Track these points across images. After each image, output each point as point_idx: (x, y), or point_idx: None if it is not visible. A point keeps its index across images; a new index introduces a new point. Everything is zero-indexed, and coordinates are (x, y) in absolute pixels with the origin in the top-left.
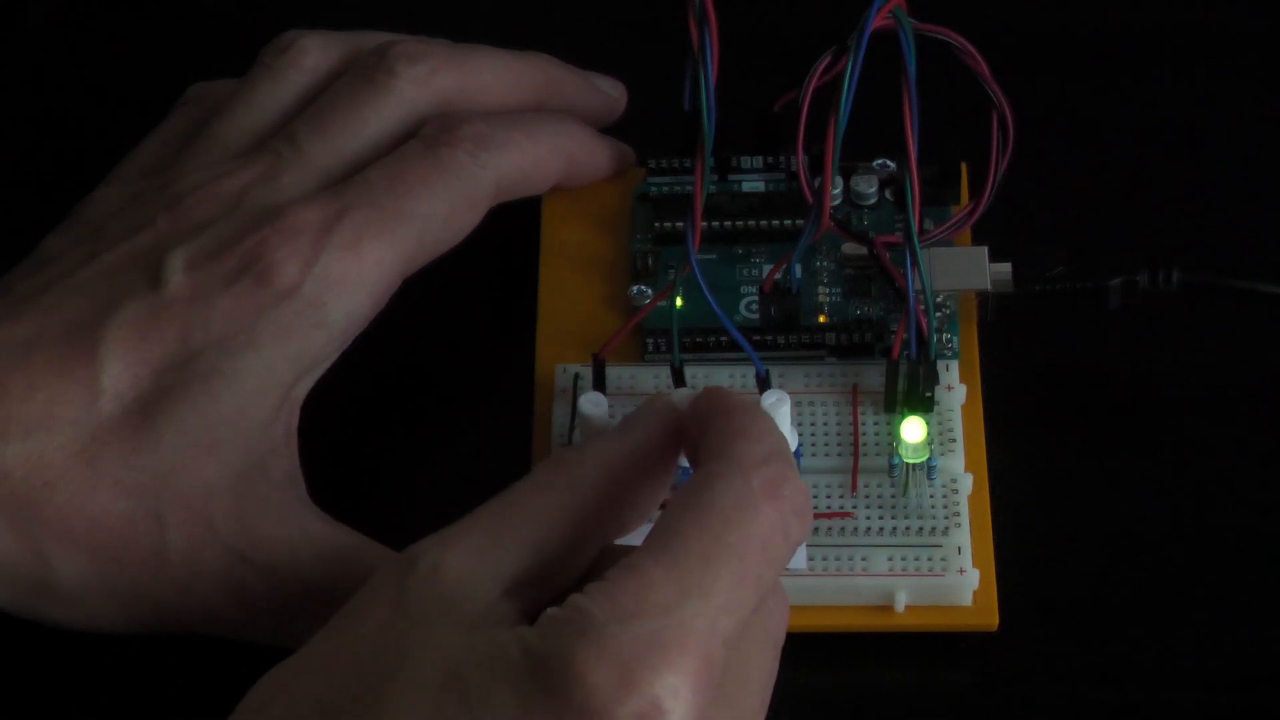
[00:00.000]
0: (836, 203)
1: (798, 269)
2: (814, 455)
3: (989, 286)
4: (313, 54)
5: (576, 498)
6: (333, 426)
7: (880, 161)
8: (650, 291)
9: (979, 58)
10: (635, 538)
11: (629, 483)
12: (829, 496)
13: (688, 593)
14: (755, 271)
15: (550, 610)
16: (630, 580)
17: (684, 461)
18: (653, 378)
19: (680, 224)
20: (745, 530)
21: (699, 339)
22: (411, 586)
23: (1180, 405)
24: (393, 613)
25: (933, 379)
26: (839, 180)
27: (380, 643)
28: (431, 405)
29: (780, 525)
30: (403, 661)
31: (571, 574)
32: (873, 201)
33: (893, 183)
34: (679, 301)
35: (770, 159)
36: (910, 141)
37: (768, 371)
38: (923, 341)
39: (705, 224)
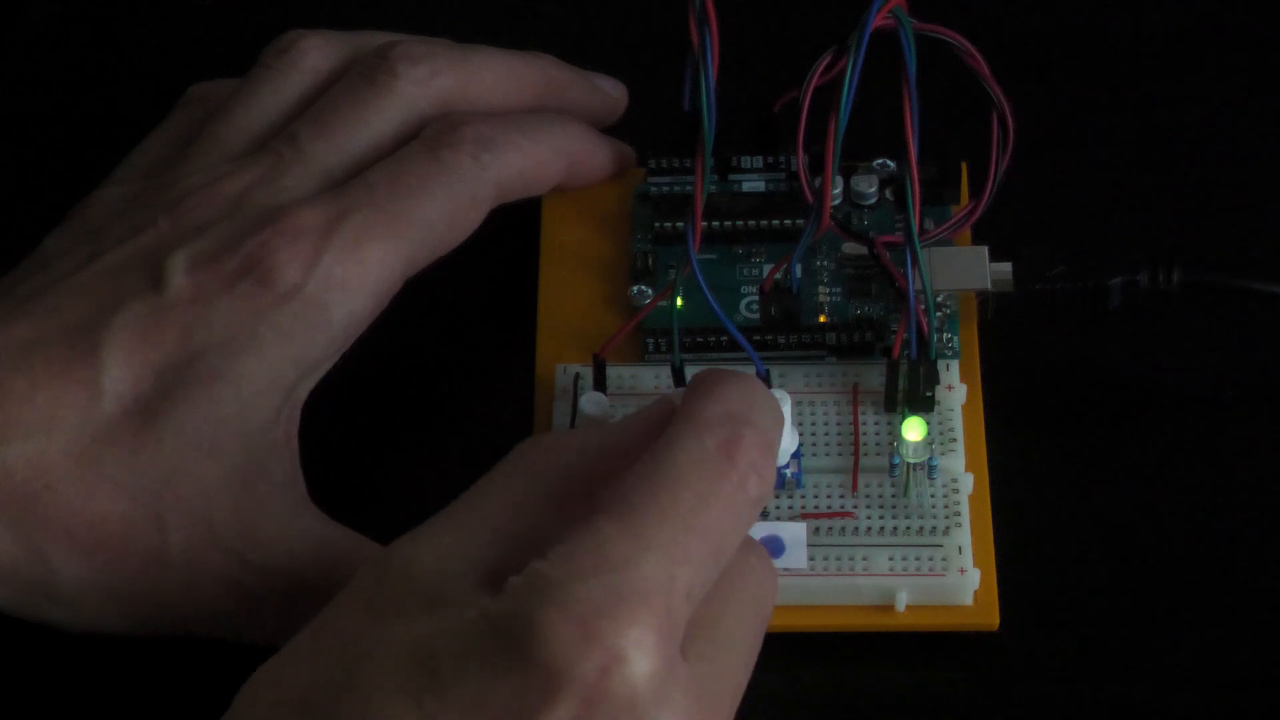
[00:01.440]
0: (836, 203)
1: (798, 269)
2: (814, 455)
3: (989, 286)
4: (314, 54)
5: (552, 482)
6: (333, 427)
7: (880, 161)
8: (650, 291)
9: (979, 58)
10: None
11: (613, 469)
12: (829, 496)
13: (645, 546)
14: (755, 271)
15: (511, 579)
16: (586, 538)
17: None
18: (653, 378)
19: (680, 224)
20: (700, 487)
21: (699, 339)
22: (385, 582)
23: (1180, 405)
24: (367, 610)
25: (933, 379)
26: (839, 180)
27: (354, 636)
28: (432, 405)
29: (737, 481)
30: (373, 650)
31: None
32: (873, 201)
33: (893, 182)
34: (679, 301)
35: (770, 159)
36: (910, 141)
37: (768, 371)
38: (923, 341)
39: (705, 224)
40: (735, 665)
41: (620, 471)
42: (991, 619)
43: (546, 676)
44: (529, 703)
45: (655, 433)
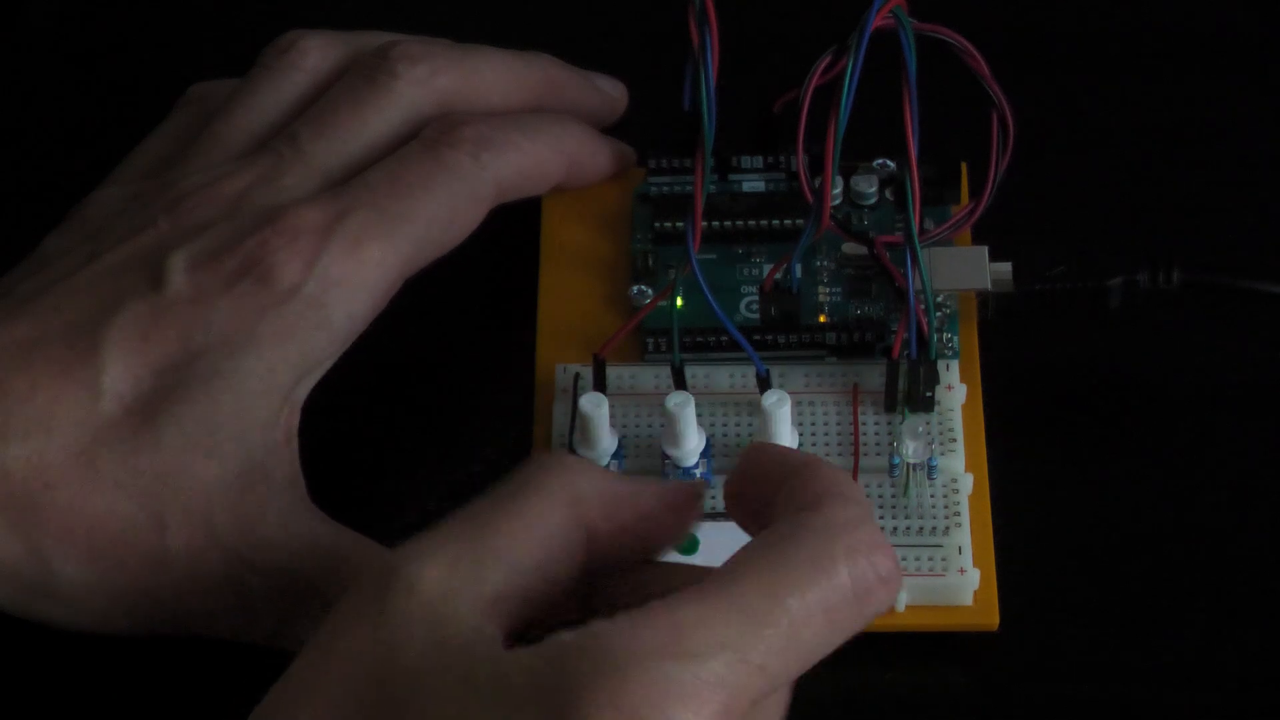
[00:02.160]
0: (836, 203)
1: (798, 269)
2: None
3: (989, 286)
4: (314, 54)
5: (566, 505)
6: (333, 427)
7: (880, 161)
8: (650, 291)
9: (979, 58)
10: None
11: (633, 512)
12: None
13: (724, 644)
14: (755, 271)
15: (565, 635)
16: (662, 616)
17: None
18: (653, 378)
19: (680, 224)
20: (812, 595)
21: (699, 339)
22: (390, 606)
23: (1180, 405)
24: (374, 634)
25: (933, 379)
26: (839, 180)
27: (371, 671)
28: (432, 406)
29: (854, 593)
30: (404, 705)
31: (559, 589)
32: (873, 201)
33: (893, 182)
34: (679, 301)
35: (770, 159)
36: (910, 141)
37: (768, 371)
38: (923, 341)
39: (705, 224)
40: None
41: (643, 514)
42: (991, 619)
43: None
44: None
45: (684, 506)
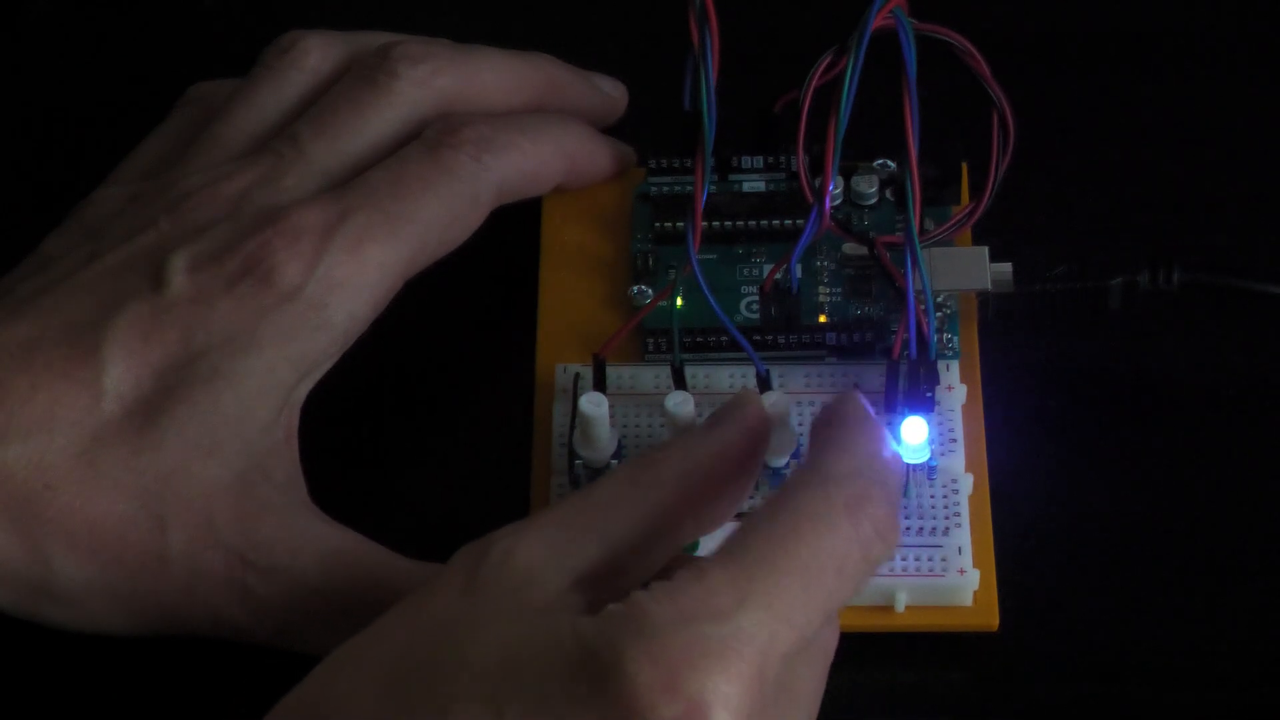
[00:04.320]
0: (837, 203)
1: (798, 269)
2: None
3: (989, 286)
4: (315, 54)
5: (654, 496)
6: (333, 427)
7: (880, 161)
8: (650, 291)
9: (979, 58)
10: (716, 540)
11: (708, 484)
12: None
13: (747, 601)
14: (755, 271)
15: (611, 605)
16: (693, 583)
17: (775, 461)
18: (653, 378)
19: (680, 224)
20: (818, 544)
21: (699, 339)
22: (482, 572)
23: (1180, 405)
24: (461, 596)
25: (933, 379)
26: (839, 180)
27: (446, 623)
28: (432, 405)
29: (858, 543)
30: (466, 644)
31: (643, 573)
32: (873, 201)
33: (893, 183)
34: (679, 301)
35: (770, 159)
36: (910, 141)
37: (768, 371)
38: (923, 341)
39: (705, 224)
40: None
41: (716, 486)
42: (991, 619)
43: (624, 717)
44: None
45: (751, 445)
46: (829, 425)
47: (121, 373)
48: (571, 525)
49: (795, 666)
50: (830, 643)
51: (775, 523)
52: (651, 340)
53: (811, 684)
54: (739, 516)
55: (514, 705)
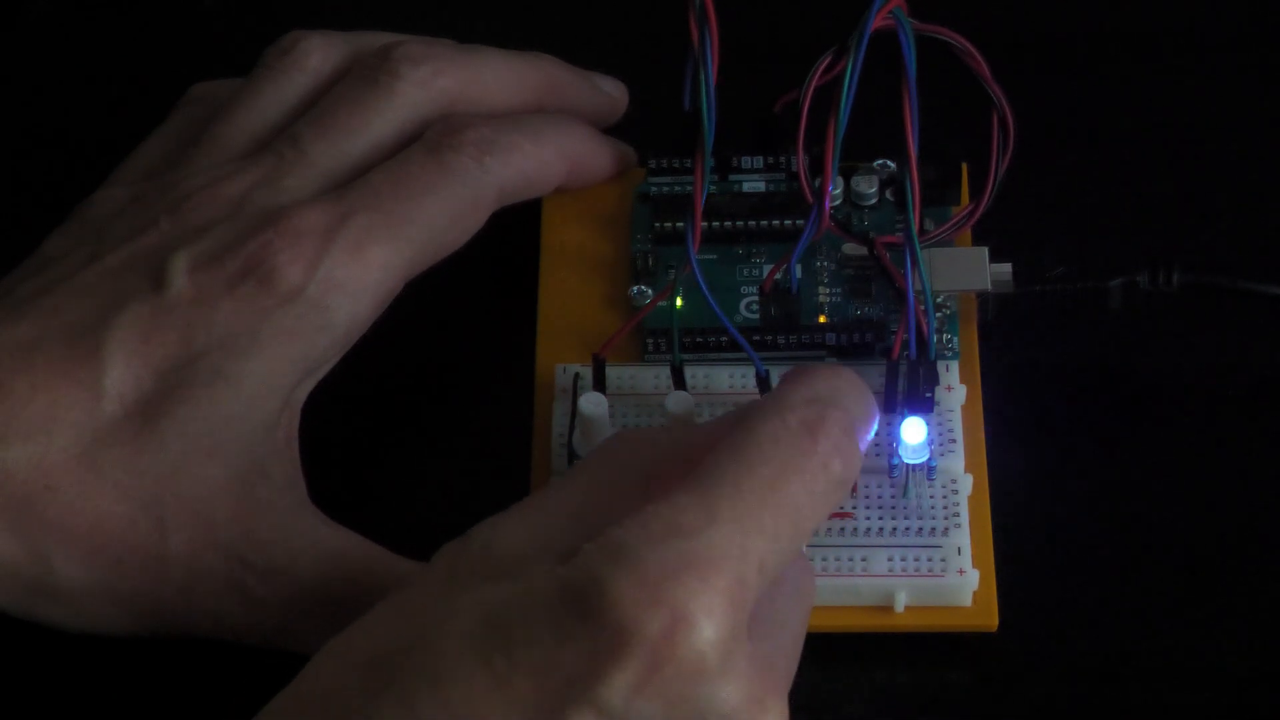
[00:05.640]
0: (836, 203)
1: (798, 269)
2: None
3: (989, 287)
4: (316, 55)
5: (634, 473)
6: (333, 428)
7: (880, 161)
8: (650, 291)
9: (979, 58)
10: None
11: (696, 461)
12: None
13: (716, 517)
14: (755, 271)
15: (585, 546)
16: (662, 507)
17: None
18: (653, 378)
19: (680, 224)
20: (779, 462)
21: (699, 339)
22: (462, 563)
23: (1180, 405)
24: (441, 582)
25: (933, 379)
26: (839, 180)
27: (427, 609)
28: (432, 406)
29: (819, 461)
30: (445, 616)
31: None
32: (873, 201)
33: (893, 183)
34: (679, 301)
35: (770, 159)
36: (910, 141)
37: (768, 371)
38: (923, 342)
39: (705, 224)
40: (791, 651)
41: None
42: (991, 620)
43: (614, 636)
44: (596, 663)
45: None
46: (790, 374)
47: (122, 373)
48: (548, 507)
49: (776, 598)
50: (808, 587)
51: (735, 447)
52: (651, 340)
53: (795, 621)
54: None
55: (503, 655)
